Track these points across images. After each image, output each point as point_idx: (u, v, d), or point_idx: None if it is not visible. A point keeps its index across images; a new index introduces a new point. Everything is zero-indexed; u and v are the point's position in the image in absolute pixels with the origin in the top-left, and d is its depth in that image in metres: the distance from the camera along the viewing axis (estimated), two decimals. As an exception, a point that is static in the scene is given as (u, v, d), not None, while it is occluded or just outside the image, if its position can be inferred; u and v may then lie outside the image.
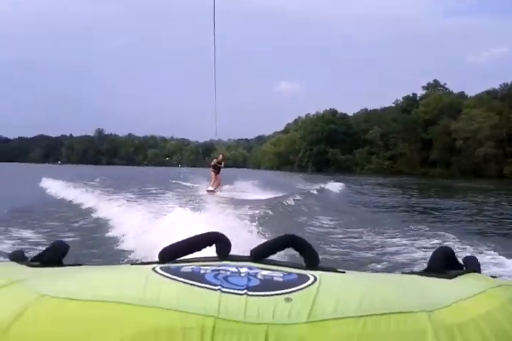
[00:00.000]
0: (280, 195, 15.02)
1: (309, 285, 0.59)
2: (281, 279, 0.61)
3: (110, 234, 7.12)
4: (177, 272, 0.63)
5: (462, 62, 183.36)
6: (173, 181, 19.30)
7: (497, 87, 63.83)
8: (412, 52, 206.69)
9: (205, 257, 0.73)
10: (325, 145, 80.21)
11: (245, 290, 0.57)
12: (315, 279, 0.61)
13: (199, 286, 0.58)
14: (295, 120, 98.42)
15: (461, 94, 72.03)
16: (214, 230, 0.77)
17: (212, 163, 17.82)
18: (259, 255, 0.73)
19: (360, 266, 5.41)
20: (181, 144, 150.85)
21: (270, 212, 9.34)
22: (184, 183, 19.20)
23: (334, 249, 6.62)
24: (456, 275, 0.69)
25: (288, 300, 0.56)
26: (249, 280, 0.60)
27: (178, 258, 0.73)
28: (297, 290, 0.58)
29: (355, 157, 76.55)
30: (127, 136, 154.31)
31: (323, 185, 22.10)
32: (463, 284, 0.66)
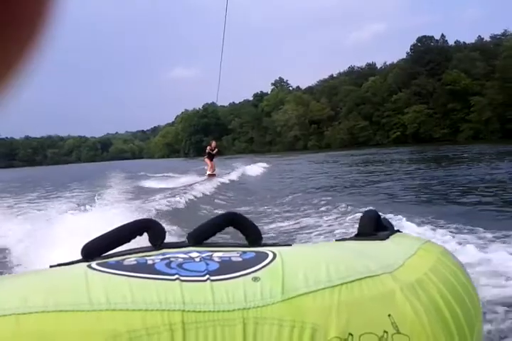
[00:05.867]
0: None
1: (271, 261, 0.57)
2: (240, 259, 0.57)
3: None
4: (120, 266, 0.55)
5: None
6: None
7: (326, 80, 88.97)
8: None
9: (136, 248, 0.65)
10: (201, 135, 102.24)
11: (207, 276, 0.52)
12: (274, 255, 0.58)
13: (153, 278, 0.51)
14: (182, 112, 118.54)
15: (298, 88, 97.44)
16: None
17: (207, 150, 18.87)
18: (199, 238, 0.67)
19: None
20: (79, 141, 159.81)
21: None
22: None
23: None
24: (388, 237, 0.71)
25: (256, 279, 0.53)
26: (207, 264, 0.55)
27: (105, 254, 0.64)
28: (262, 267, 0.55)
29: (223, 142, 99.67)
30: (24, 138, 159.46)
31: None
32: (399, 244, 0.68)
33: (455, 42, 65.17)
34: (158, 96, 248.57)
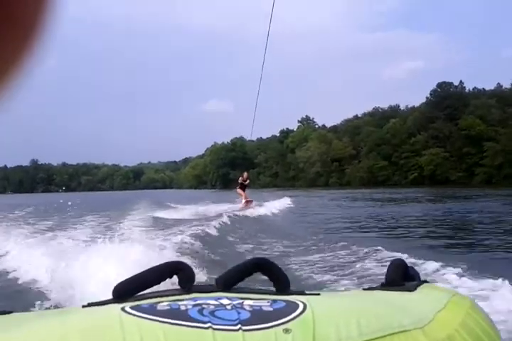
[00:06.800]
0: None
1: (302, 312, 0.56)
2: (270, 308, 0.57)
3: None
4: (153, 311, 0.55)
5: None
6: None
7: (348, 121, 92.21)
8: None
9: (167, 290, 0.66)
10: (228, 168, 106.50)
11: (239, 325, 0.52)
12: (304, 305, 0.58)
13: (186, 326, 0.52)
14: (211, 145, 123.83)
15: (323, 127, 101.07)
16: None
17: (239, 180, 19.75)
18: (228, 284, 0.67)
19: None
20: (113, 170, 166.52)
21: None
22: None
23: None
24: (415, 288, 0.70)
25: (287, 331, 0.52)
26: (238, 313, 0.55)
27: (137, 294, 0.65)
28: (292, 319, 0.54)
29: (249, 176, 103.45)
30: (61, 165, 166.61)
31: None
32: (428, 296, 0.68)
33: (473, 89, 68.06)
34: (191, 128, 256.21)
